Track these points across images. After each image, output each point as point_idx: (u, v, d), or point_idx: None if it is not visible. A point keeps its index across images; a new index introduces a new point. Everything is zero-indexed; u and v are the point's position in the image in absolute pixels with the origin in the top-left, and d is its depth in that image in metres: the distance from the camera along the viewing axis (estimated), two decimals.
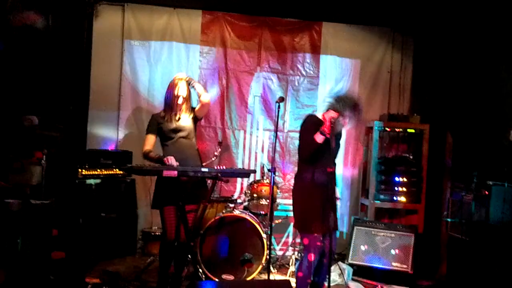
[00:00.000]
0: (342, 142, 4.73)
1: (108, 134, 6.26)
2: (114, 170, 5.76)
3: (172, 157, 4.20)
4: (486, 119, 5.23)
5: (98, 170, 5.64)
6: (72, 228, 5.14)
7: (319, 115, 4.10)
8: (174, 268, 4.46)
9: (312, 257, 3.95)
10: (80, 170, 5.51)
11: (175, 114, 4.38)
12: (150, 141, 4.37)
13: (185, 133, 4.39)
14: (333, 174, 3.87)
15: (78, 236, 5.19)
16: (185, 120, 4.41)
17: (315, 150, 3.92)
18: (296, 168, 4.32)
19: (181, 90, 4.38)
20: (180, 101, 4.36)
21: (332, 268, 4.82)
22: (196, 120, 4.52)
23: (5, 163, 4.60)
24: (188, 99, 4.43)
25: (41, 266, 4.24)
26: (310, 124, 4.04)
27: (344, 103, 3.99)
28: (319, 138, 3.89)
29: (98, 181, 5.63)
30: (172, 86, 4.40)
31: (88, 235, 5.34)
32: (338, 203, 4.29)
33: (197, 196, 4.40)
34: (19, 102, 5.00)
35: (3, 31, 4.71)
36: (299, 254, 5.59)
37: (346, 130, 6.37)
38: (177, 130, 4.36)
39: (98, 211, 5.56)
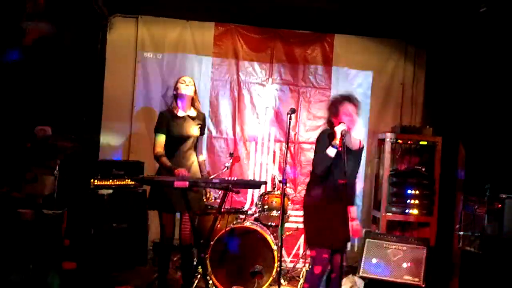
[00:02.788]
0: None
1: (120, 145, 6.30)
2: (126, 180, 5.79)
3: (183, 170, 4.25)
4: (499, 132, 5.19)
5: (110, 181, 5.67)
6: (84, 239, 5.16)
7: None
8: (182, 276, 4.52)
9: (318, 269, 3.93)
10: (92, 180, 5.54)
11: (182, 110, 4.48)
12: (161, 141, 4.47)
13: (191, 144, 4.50)
14: (344, 186, 3.84)
15: (89, 246, 5.21)
16: (191, 127, 4.50)
17: (326, 166, 3.93)
18: (307, 180, 4.32)
19: (187, 89, 4.52)
20: (185, 97, 4.51)
21: (344, 281, 4.79)
22: (201, 130, 4.62)
23: (18, 173, 4.65)
24: (194, 98, 4.54)
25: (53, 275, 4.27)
26: (323, 139, 4.05)
27: (335, 103, 4.06)
28: (331, 151, 3.90)
29: (110, 191, 5.66)
30: (178, 83, 4.58)
31: (100, 246, 5.36)
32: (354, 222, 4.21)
33: (198, 206, 4.55)
34: (32, 112, 5.06)
35: (18, 42, 4.78)
36: (310, 266, 5.56)
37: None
38: (183, 138, 4.44)
39: (110, 222, 5.58)
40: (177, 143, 4.47)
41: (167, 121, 4.47)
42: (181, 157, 4.45)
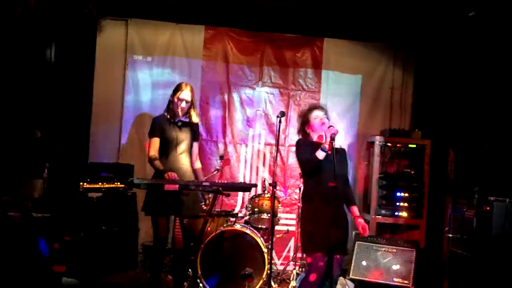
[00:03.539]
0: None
1: (110, 147, 6.27)
2: (116, 183, 5.75)
3: (173, 173, 4.26)
4: (487, 135, 5.24)
5: (100, 184, 5.63)
6: (73, 242, 5.13)
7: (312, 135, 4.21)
8: (173, 280, 4.51)
9: (313, 277, 3.92)
10: (81, 183, 5.51)
11: (177, 117, 4.47)
12: (156, 145, 4.49)
13: (184, 147, 4.49)
14: (334, 189, 3.84)
15: (79, 249, 5.18)
16: (185, 132, 4.51)
17: (315, 165, 3.95)
18: (297, 183, 4.35)
19: (185, 95, 4.51)
20: (183, 104, 4.48)
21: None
22: (194, 136, 4.62)
23: (8, 176, 4.61)
24: (191, 105, 4.54)
25: (42, 279, 4.24)
26: (304, 146, 4.13)
27: (304, 114, 4.29)
28: (320, 154, 3.91)
29: (99, 194, 5.63)
30: (177, 89, 4.56)
31: (89, 249, 5.32)
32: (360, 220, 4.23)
33: (191, 210, 4.57)
34: (21, 116, 5.02)
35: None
36: (300, 269, 5.57)
37: (347, 145, 6.40)
38: (176, 141, 4.45)
39: (100, 225, 5.55)
40: (170, 146, 4.49)
41: (161, 126, 4.48)
42: (174, 160, 4.46)
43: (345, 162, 4.33)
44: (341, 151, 4.28)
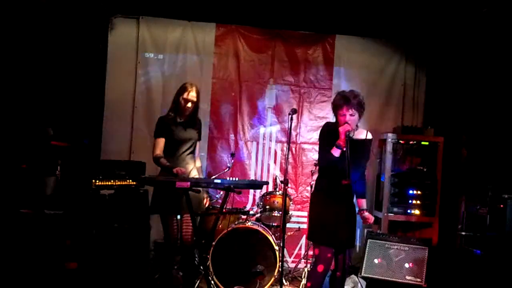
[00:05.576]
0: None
1: (122, 145, 6.29)
2: (128, 181, 5.77)
3: (182, 169, 4.25)
4: (500, 132, 5.19)
5: (112, 181, 5.65)
6: (85, 239, 5.16)
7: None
8: (183, 277, 4.52)
9: (321, 268, 3.92)
10: (93, 180, 5.53)
11: (182, 117, 4.46)
12: (161, 145, 4.48)
13: (190, 147, 4.49)
14: (348, 187, 3.81)
15: (91, 246, 5.21)
16: (190, 132, 4.50)
17: (330, 162, 3.93)
18: (308, 180, 4.32)
19: (191, 95, 4.49)
20: (189, 105, 4.46)
21: (346, 281, 4.78)
22: (198, 136, 4.67)
23: (20, 173, 4.64)
24: (197, 105, 4.52)
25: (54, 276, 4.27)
26: (325, 134, 4.07)
27: (333, 102, 4.08)
28: (336, 152, 3.89)
29: (111, 191, 5.66)
30: (183, 90, 4.52)
31: (101, 246, 5.35)
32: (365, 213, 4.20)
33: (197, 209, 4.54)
34: (34, 113, 5.06)
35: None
36: (312, 265, 5.55)
37: None
38: (182, 142, 4.44)
39: (111, 222, 5.57)
40: (177, 146, 4.47)
41: (167, 126, 4.46)
42: (179, 159, 4.44)
43: (365, 154, 4.22)
44: (364, 142, 4.16)
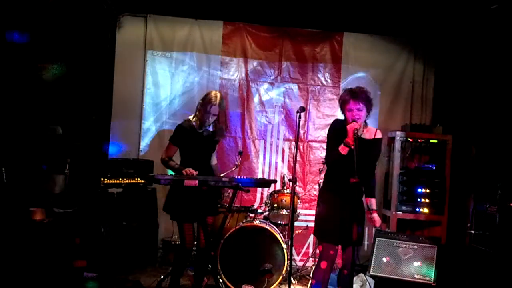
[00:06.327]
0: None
1: (130, 143, 6.31)
2: (136, 179, 5.80)
3: (191, 170, 4.25)
4: (510, 130, 5.15)
5: (120, 179, 5.69)
6: (94, 237, 5.18)
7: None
8: (194, 277, 4.50)
9: (324, 264, 3.92)
10: (102, 179, 5.56)
11: (203, 127, 4.44)
12: (171, 151, 4.48)
13: (206, 155, 4.50)
14: (356, 185, 3.79)
15: (100, 244, 5.23)
16: (208, 141, 4.49)
17: (338, 160, 3.91)
18: (316, 178, 4.30)
19: (214, 110, 4.42)
20: (211, 118, 4.43)
21: (354, 279, 4.76)
22: (216, 142, 4.66)
23: (29, 171, 4.67)
24: (217, 118, 4.49)
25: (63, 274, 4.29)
26: (333, 132, 4.04)
27: (340, 98, 4.06)
28: (344, 150, 3.86)
29: (119, 190, 5.68)
30: (209, 101, 4.42)
31: (110, 244, 5.37)
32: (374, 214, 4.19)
33: (215, 208, 4.56)
34: (42, 112, 5.08)
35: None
36: (316, 262, 5.55)
37: None
38: (199, 151, 4.44)
39: (120, 220, 5.60)
40: (194, 156, 4.45)
41: (185, 135, 4.43)
42: (196, 168, 4.38)
43: (375, 153, 4.17)
44: (374, 141, 4.13)
